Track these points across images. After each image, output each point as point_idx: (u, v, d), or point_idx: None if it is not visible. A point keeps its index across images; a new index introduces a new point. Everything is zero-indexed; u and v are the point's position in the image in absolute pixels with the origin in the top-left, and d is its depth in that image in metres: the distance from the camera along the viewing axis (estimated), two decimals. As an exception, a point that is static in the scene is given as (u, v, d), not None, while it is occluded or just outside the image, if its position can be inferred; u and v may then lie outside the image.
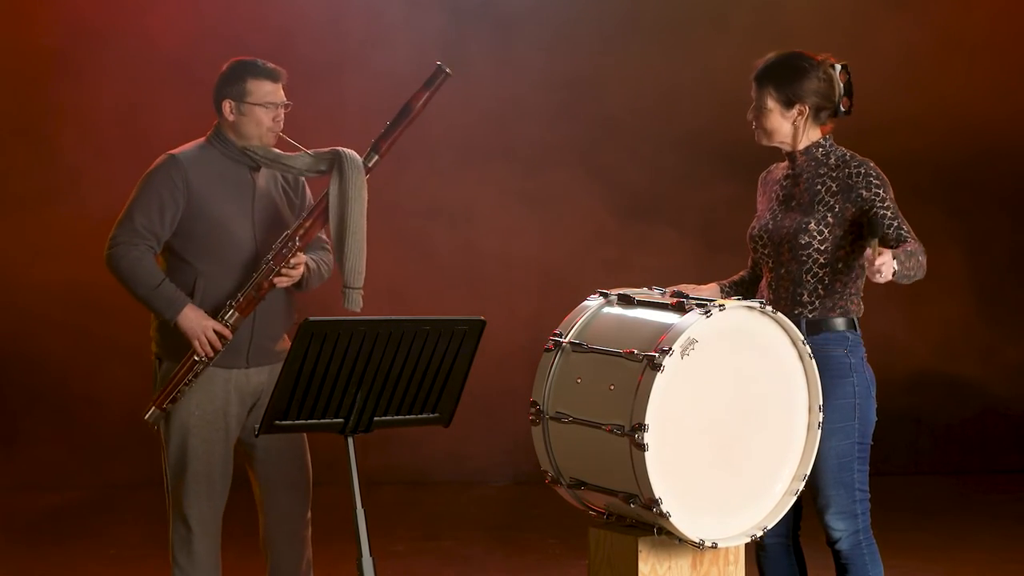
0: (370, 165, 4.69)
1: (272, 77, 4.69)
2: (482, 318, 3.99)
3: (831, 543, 4.30)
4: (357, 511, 3.95)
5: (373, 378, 3.93)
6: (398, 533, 6.99)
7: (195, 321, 4.62)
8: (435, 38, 8.10)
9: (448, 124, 8.10)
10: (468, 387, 4.08)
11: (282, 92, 4.72)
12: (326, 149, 4.68)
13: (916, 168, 8.07)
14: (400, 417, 4.04)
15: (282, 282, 4.66)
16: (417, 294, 8.08)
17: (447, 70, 4.65)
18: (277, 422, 3.92)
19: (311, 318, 3.80)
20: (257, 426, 3.94)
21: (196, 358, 4.63)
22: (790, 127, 4.31)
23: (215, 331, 4.62)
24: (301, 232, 4.66)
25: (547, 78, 8.20)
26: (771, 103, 4.29)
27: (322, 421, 3.95)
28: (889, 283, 4.05)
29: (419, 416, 4.06)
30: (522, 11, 8.21)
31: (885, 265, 3.97)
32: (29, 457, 7.96)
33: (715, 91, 7.60)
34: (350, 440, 3.99)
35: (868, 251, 3.98)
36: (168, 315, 4.63)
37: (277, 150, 4.72)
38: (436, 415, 4.09)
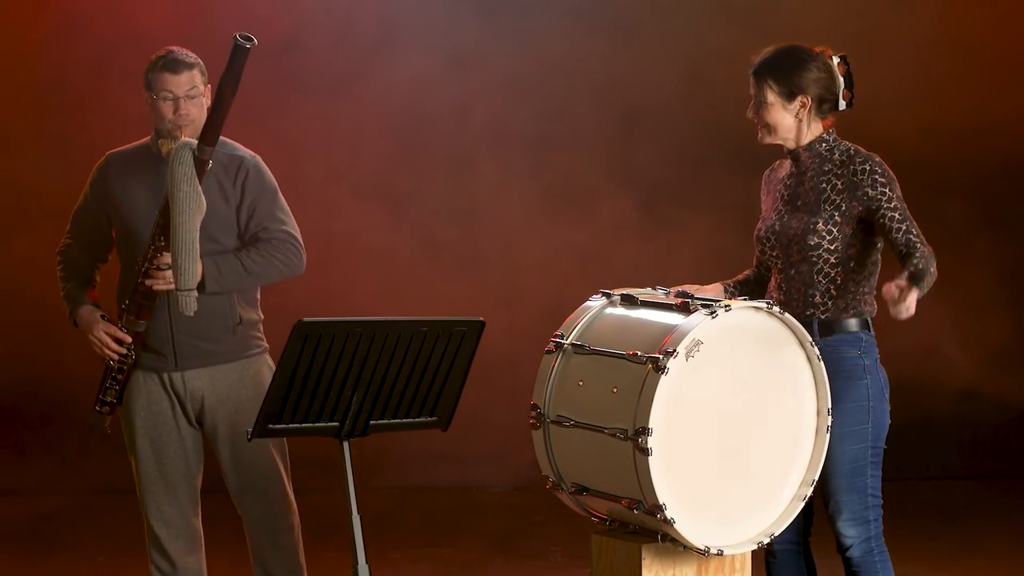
0: (203, 157, 4.46)
1: (169, 68, 4.59)
2: (481, 319, 3.93)
3: (842, 550, 4.24)
4: (353, 517, 3.89)
5: (369, 380, 3.87)
6: (395, 540, 6.94)
7: (85, 323, 4.67)
8: (446, 31, 8.06)
9: (460, 117, 8.06)
10: (467, 389, 4.01)
11: (185, 82, 4.58)
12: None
13: (951, 173, 8.03)
14: (397, 420, 3.99)
15: (156, 284, 4.55)
16: (434, 293, 8.04)
17: (247, 44, 4.36)
18: (271, 426, 3.86)
19: (305, 319, 3.74)
20: (249, 430, 3.87)
21: (103, 361, 4.65)
22: (793, 121, 4.24)
23: (110, 334, 4.60)
24: (158, 231, 4.53)
25: (560, 69, 8.15)
26: (772, 97, 4.22)
27: (317, 425, 3.90)
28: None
29: (416, 419, 4.02)
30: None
31: (912, 307, 3.87)
32: (18, 463, 7.90)
33: (730, 83, 7.51)
34: (346, 444, 3.94)
35: (894, 288, 3.86)
36: (69, 317, 4.72)
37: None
38: (434, 418, 4.04)
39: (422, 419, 4.01)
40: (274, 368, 4.62)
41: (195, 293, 4.47)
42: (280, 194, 4.74)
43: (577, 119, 8.20)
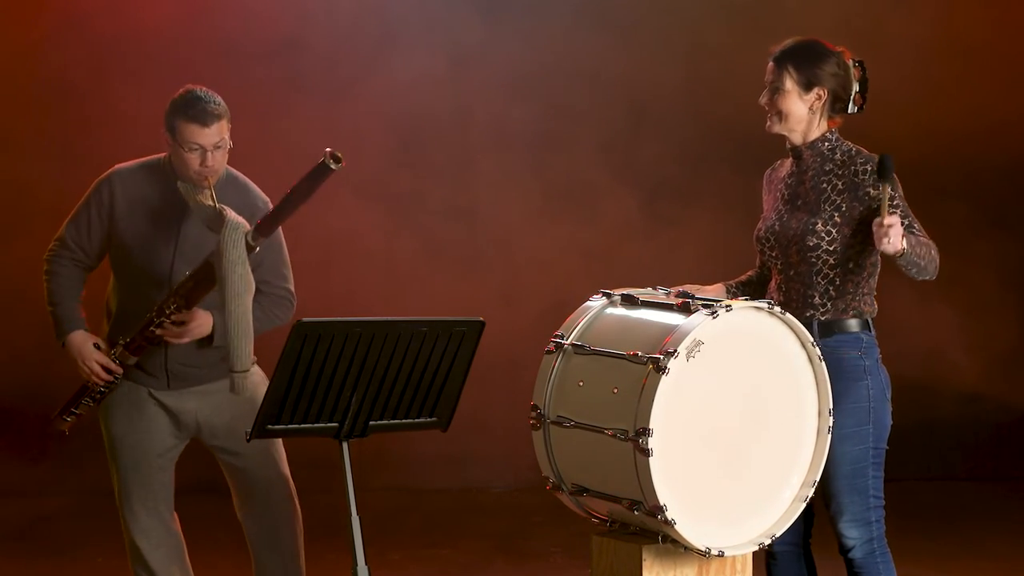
0: (253, 244, 4.42)
1: (200, 121, 4.44)
2: (481, 319, 3.91)
3: (844, 551, 4.23)
4: (352, 518, 3.87)
5: (369, 381, 3.85)
6: (394, 541, 6.93)
7: (78, 350, 4.59)
8: (448, 31, 8.05)
9: (461, 117, 8.04)
10: (467, 390, 4.00)
11: (214, 134, 4.46)
12: (222, 209, 4.41)
13: (953, 174, 8.01)
14: (397, 421, 3.97)
15: (167, 335, 4.52)
16: (436, 293, 8.02)
17: (333, 166, 4.31)
18: (269, 426, 3.84)
19: (304, 319, 3.72)
20: (248, 431, 3.85)
21: (88, 384, 4.61)
22: (806, 112, 4.23)
23: (100, 364, 4.57)
24: (183, 291, 4.49)
25: (562, 67, 8.13)
26: (790, 84, 4.21)
27: (316, 425, 3.88)
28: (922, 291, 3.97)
29: (416, 420, 4.00)
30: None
31: (894, 228, 3.91)
32: (18, 464, 7.88)
33: (732, 81, 7.52)
34: (345, 445, 3.92)
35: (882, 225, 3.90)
36: (57, 336, 4.63)
37: (205, 192, 4.47)
38: (434, 419, 4.02)
39: (422, 420, 3.99)
40: (264, 377, 4.61)
41: (248, 374, 4.43)
42: (284, 245, 4.71)
43: (579, 118, 8.19)
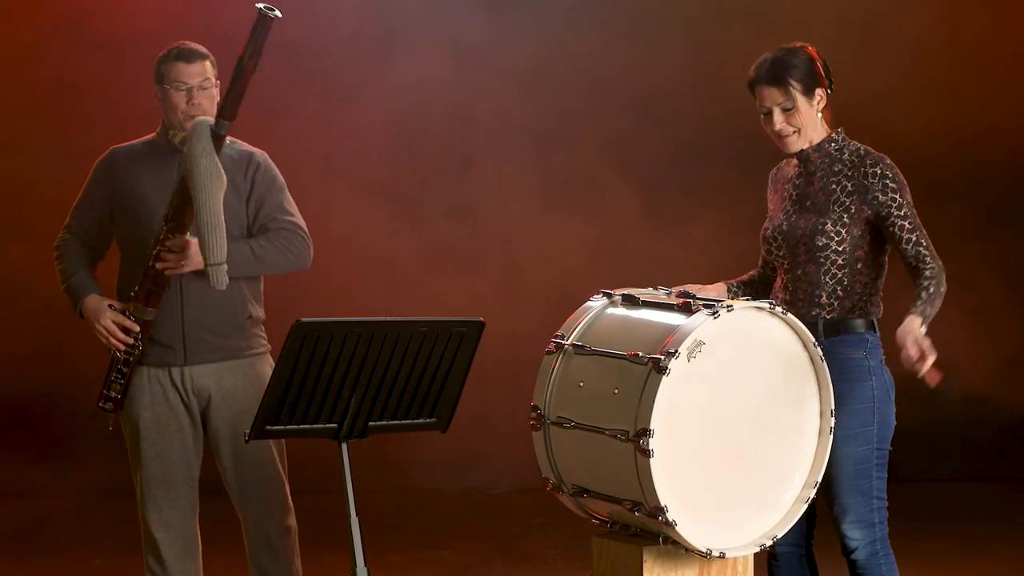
0: (221, 132, 4.44)
1: (183, 58, 4.61)
2: (480, 319, 3.90)
3: (847, 553, 4.22)
4: (351, 519, 3.86)
5: (368, 381, 3.84)
6: (394, 542, 6.92)
7: (92, 311, 4.60)
8: (451, 29, 8.03)
9: (464, 116, 8.03)
10: (467, 390, 3.98)
11: (198, 72, 4.60)
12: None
13: (956, 175, 8.01)
14: (396, 422, 3.96)
15: (167, 267, 4.50)
16: (438, 294, 8.01)
17: (271, 14, 4.35)
18: (268, 427, 3.83)
19: (303, 319, 3.70)
20: (247, 431, 3.83)
21: (110, 353, 4.59)
22: (816, 115, 4.20)
23: (117, 323, 4.55)
24: (171, 214, 4.50)
25: (565, 65, 8.13)
26: (799, 98, 4.19)
27: (315, 426, 3.87)
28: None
29: (416, 421, 3.98)
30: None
31: (929, 359, 3.98)
32: (16, 465, 7.88)
33: (736, 78, 7.49)
34: (344, 446, 3.90)
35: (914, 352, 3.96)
36: (74, 307, 4.66)
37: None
38: (433, 420, 4.00)
39: (421, 420, 3.98)
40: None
41: (225, 267, 4.42)
42: (286, 188, 4.74)
43: (582, 116, 8.18)
